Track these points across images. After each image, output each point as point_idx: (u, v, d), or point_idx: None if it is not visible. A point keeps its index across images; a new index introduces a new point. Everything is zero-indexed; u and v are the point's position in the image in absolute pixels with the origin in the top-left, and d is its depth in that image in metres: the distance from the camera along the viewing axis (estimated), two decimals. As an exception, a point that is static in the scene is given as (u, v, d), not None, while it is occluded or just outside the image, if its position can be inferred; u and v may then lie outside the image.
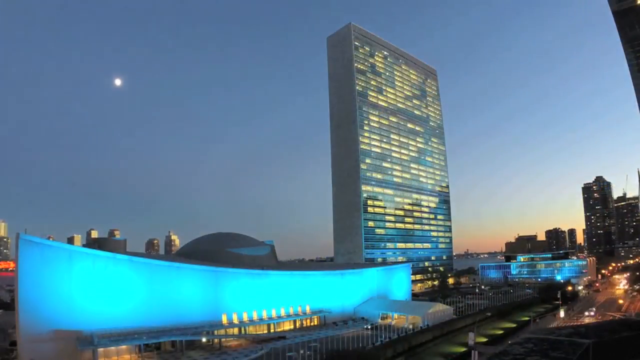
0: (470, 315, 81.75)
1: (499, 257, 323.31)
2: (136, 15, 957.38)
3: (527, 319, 79.36)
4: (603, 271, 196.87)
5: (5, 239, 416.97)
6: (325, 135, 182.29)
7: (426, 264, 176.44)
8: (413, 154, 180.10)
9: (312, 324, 78.10)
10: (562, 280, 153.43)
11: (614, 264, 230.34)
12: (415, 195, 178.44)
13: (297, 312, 75.63)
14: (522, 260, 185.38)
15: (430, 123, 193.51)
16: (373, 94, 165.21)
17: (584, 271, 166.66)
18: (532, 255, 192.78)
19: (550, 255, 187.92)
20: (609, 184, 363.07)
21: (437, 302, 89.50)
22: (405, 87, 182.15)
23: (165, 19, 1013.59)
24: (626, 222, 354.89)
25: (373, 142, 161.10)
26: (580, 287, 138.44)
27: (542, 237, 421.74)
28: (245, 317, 68.11)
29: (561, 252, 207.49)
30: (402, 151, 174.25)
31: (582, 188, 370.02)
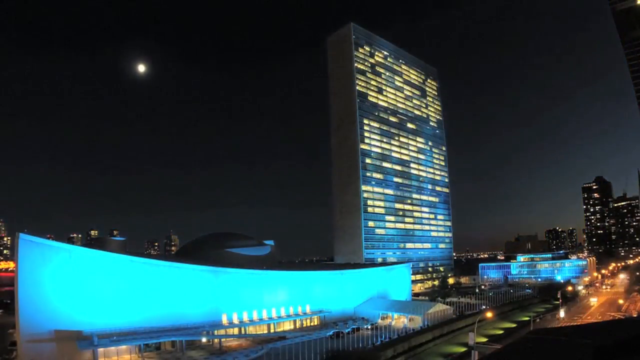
0: (470, 315, 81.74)
1: (499, 257, 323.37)
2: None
3: (527, 319, 79.34)
4: (603, 271, 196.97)
5: (5, 239, 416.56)
6: (324, 135, 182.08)
7: (426, 264, 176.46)
8: (413, 154, 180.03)
9: (312, 324, 78.10)
10: (562, 281, 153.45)
11: (614, 264, 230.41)
12: (415, 196, 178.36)
13: (297, 312, 75.59)
14: (522, 260, 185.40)
15: (430, 123, 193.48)
16: (373, 94, 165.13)
17: (584, 271, 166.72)
18: (532, 255, 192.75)
19: (550, 255, 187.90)
20: (609, 184, 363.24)
21: (437, 302, 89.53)
22: (405, 87, 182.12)
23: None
24: (626, 222, 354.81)
25: (373, 142, 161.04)
26: (580, 287, 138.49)
27: (542, 237, 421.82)
28: (245, 317, 68.10)
29: (561, 252, 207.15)
30: (402, 151, 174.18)
31: (582, 188, 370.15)
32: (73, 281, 53.46)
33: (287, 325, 74.09)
